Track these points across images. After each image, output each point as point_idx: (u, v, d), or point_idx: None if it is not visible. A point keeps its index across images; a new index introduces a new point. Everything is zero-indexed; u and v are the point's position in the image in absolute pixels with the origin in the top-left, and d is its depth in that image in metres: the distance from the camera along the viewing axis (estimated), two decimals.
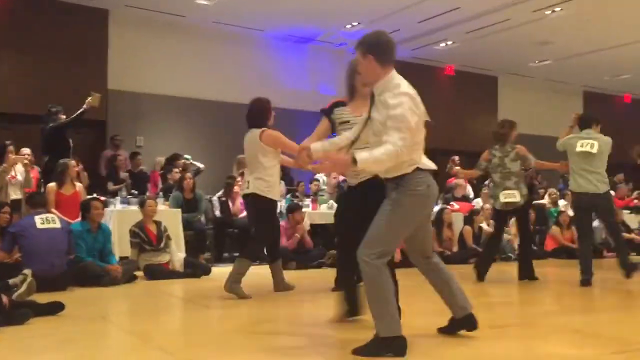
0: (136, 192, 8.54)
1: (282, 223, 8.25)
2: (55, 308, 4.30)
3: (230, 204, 9.02)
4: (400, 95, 3.18)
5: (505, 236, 9.69)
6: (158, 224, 6.96)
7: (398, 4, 10.67)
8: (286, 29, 12.16)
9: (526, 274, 6.68)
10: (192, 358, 3.25)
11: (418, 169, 3.27)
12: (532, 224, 10.26)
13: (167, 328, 4.33)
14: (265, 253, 5.79)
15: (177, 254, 7.01)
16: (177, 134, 11.62)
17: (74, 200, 6.90)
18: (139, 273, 6.61)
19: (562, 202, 11.33)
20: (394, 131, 3.10)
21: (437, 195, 3.56)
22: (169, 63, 11.53)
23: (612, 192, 11.14)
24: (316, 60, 12.89)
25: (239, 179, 9.48)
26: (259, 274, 6.13)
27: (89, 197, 6.94)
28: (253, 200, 5.36)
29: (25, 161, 7.37)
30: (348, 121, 4.02)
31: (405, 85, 3.25)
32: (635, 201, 12.33)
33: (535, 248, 9.99)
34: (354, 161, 3.03)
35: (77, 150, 8.60)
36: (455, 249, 9.26)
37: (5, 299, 3.98)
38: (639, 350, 3.55)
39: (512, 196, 6.52)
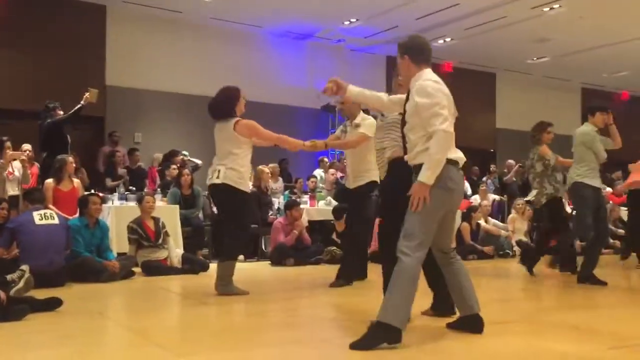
0: (134, 188, 8.53)
1: (280, 219, 8.26)
2: (53, 304, 4.29)
3: None
4: (431, 88, 3.38)
5: (503, 233, 9.72)
6: (156, 220, 6.96)
7: (396, 1, 10.68)
8: (284, 25, 12.15)
9: (569, 267, 6.77)
10: (190, 354, 3.25)
11: (449, 162, 3.36)
12: (530, 221, 10.30)
13: (165, 324, 4.32)
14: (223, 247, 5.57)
15: (175, 250, 7.01)
16: (175, 130, 11.62)
17: (72, 196, 6.89)
18: (137, 269, 6.60)
19: None
20: (434, 118, 3.29)
21: (462, 189, 3.61)
22: (166, 59, 11.52)
23: (609, 189, 11.20)
24: (314, 56, 12.89)
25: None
26: (253, 269, 6.14)
27: (86, 192, 6.92)
28: (226, 192, 5.15)
29: (23, 157, 7.35)
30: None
31: (435, 78, 3.47)
32: None
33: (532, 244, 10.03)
34: (422, 183, 3.27)
35: (75, 147, 8.60)
36: (453, 245, 9.25)
37: (3, 294, 3.97)
38: (636, 345, 3.57)
39: (532, 195, 6.85)
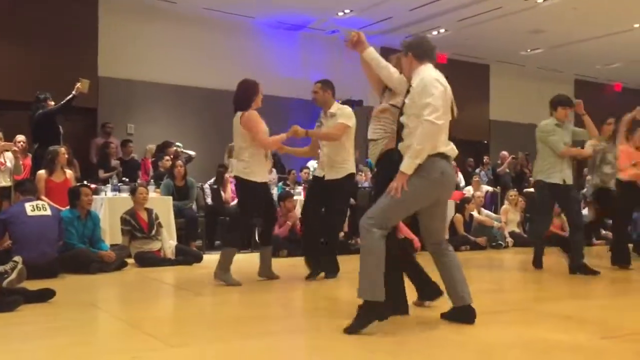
0: (127, 179, 8.51)
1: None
2: (46, 295, 4.28)
3: (221, 191, 9.01)
4: (427, 80, 3.44)
5: (496, 224, 9.75)
6: (149, 211, 6.94)
7: None
8: (278, 16, 12.10)
9: (620, 257, 6.76)
10: (183, 344, 3.25)
11: (437, 154, 3.41)
12: (523, 212, 10.35)
13: (158, 315, 4.33)
14: (257, 238, 5.80)
15: (169, 241, 7.00)
16: (168, 121, 11.58)
17: (64, 188, 6.84)
18: (130, 260, 6.59)
19: None
20: (425, 108, 3.36)
21: (452, 182, 3.62)
22: (159, 50, 11.45)
23: None
24: (308, 47, 12.85)
25: (230, 166, 9.47)
26: (246, 260, 6.14)
27: (77, 184, 6.89)
28: (237, 183, 5.39)
29: (15, 148, 7.31)
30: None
31: (434, 74, 3.52)
32: None
33: (525, 235, 10.08)
34: (401, 172, 3.35)
35: (68, 138, 8.55)
36: (446, 236, 9.28)
37: None
38: (628, 335, 3.60)
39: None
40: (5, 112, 9.73)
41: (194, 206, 8.63)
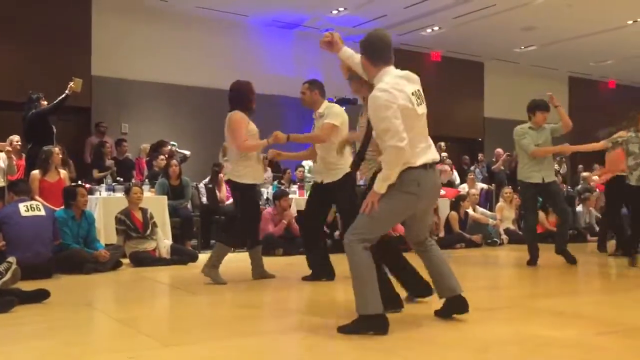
0: (121, 179, 8.48)
1: (269, 209, 8.25)
2: (40, 295, 4.27)
3: (216, 190, 8.99)
4: (374, 96, 3.29)
5: (491, 221, 9.78)
6: (144, 211, 6.92)
7: None
8: (271, 14, 12.08)
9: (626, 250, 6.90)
10: (178, 344, 3.25)
11: (410, 168, 3.34)
12: (518, 209, 10.37)
13: (153, 314, 4.32)
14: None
15: (164, 240, 6.99)
16: (162, 120, 11.55)
17: (59, 188, 6.82)
18: (125, 260, 6.58)
19: None
20: (384, 133, 3.26)
21: (433, 188, 3.51)
22: (153, 49, 11.42)
23: (596, 177, 11.27)
24: (301, 46, 12.82)
25: (225, 166, 9.45)
26: (242, 259, 6.13)
27: (73, 184, 6.86)
28: (230, 186, 5.39)
29: (8, 148, 7.27)
30: None
31: (386, 80, 3.36)
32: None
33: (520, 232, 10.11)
34: (374, 191, 3.32)
35: (62, 137, 8.52)
36: (441, 234, 9.31)
37: None
38: (621, 331, 3.61)
39: None
40: None
41: (189, 205, 8.61)
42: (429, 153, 3.45)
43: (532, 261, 6.62)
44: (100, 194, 7.61)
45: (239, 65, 11.36)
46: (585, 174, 11.76)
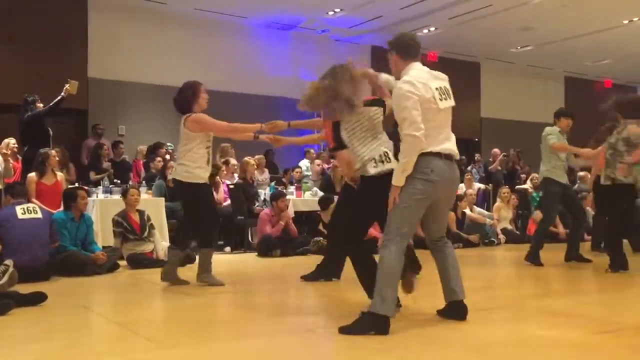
0: (118, 181, 8.47)
1: (267, 211, 8.24)
2: (37, 298, 4.26)
3: (214, 192, 8.96)
4: (398, 86, 3.48)
5: (488, 221, 9.79)
6: (141, 213, 6.92)
7: None
8: (268, 15, 12.08)
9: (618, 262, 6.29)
10: (176, 346, 3.25)
11: (424, 154, 3.44)
12: (515, 209, 10.39)
13: (151, 317, 4.31)
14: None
15: (161, 242, 6.98)
16: (159, 122, 11.51)
17: (55, 190, 6.82)
18: (122, 262, 6.57)
19: None
20: (402, 122, 3.42)
21: (449, 179, 3.57)
22: (150, 51, 11.41)
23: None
24: (298, 47, 12.83)
25: (222, 167, 9.43)
26: (239, 261, 6.13)
27: (72, 186, 6.85)
28: (177, 186, 5.30)
29: (4, 151, 7.26)
30: None
31: (412, 73, 3.52)
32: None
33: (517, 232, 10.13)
34: (394, 186, 3.45)
35: (59, 140, 8.51)
36: (443, 233, 9.30)
37: None
38: (620, 330, 3.62)
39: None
40: None
41: None
42: (447, 144, 3.55)
43: (538, 260, 6.66)
44: (97, 196, 7.60)
45: (237, 67, 11.38)
46: (581, 173, 11.78)
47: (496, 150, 13.09)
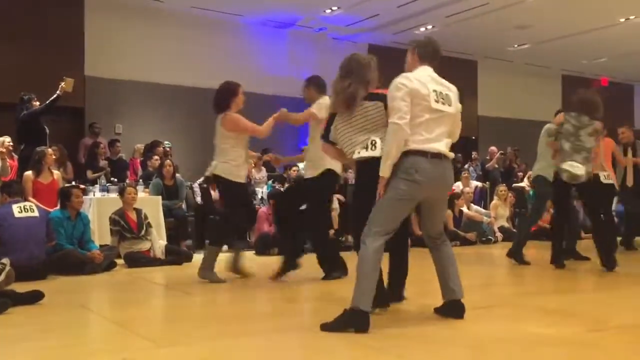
0: (115, 179, 8.46)
1: (264, 209, 8.25)
2: (34, 297, 4.26)
3: (211, 190, 8.97)
4: (393, 84, 3.54)
5: (485, 219, 9.80)
6: (138, 211, 6.91)
7: None
8: (265, 14, 12.07)
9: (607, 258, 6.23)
10: (173, 344, 3.25)
11: (410, 152, 3.44)
12: (512, 207, 10.40)
13: (148, 315, 4.32)
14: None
15: (158, 241, 6.98)
16: (156, 120, 11.52)
17: (52, 189, 6.81)
18: (119, 261, 6.57)
19: None
20: (391, 111, 3.51)
21: (437, 179, 3.54)
22: (146, 49, 11.39)
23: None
24: (295, 45, 12.83)
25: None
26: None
27: (68, 184, 6.85)
28: (222, 185, 5.44)
29: (1, 149, 7.24)
30: None
31: (415, 72, 3.63)
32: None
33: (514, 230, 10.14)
34: (381, 177, 3.46)
35: (55, 138, 8.49)
36: (440, 231, 9.31)
37: None
38: (614, 328, 3.63)
39: (577, 169, 5.80)
40: None
41: (184, 206, 8.60)
42: (436, 144, 3.52)
43: (521, 257, 6.62)
44: (94, 195, 7.60)
45: (233, 65, 11.35)
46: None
47: (493, 148, 13.10)
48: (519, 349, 3.14)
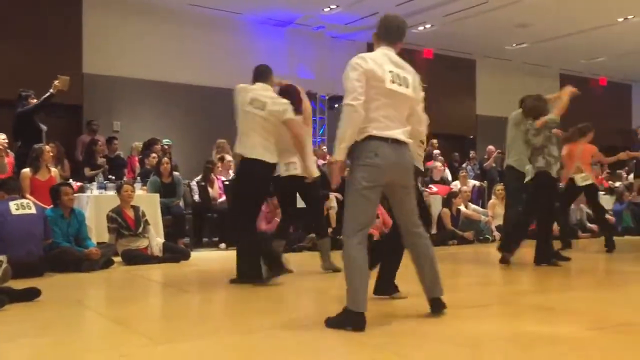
0: (113, 177, 8.44)
1: (263, 207, 8.23)
2: (31, 294, 4.25)
3: (208, 188, 8.97)
4: (347, 66, 3.42)
5: (483, 218, 9.80)
6: (136, 209, 6.90)
7: None
8: (264, 12, 12.06)
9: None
10: (171, 341, 3.24)
11: (369, 137, 3.36)
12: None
13: (146, 313, 4.31)
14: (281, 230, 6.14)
15: (156, 238, 6.97)
16: (154, 118, 11.50)
17: (50, 186, 6.78)
18: (117, 258, 6.56)
19: None
20: (345, 92, 3.37)
21: (398, 163, 3.41)
22: (145, 47, 11.37)
23: None
24: (294, 43, 12.81)
25: (218, 163, 9.42)
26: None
27: (58, 182, 6.82)
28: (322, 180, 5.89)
29: None
30: None
31: (371, 53, 3.52)
32: (610, 182, 12.52)
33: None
34: (334, 159, 3.36)
35: (53, 136, 8.47)
36: (433, 231, 9.33)
37: None
38: (613, 326, 3.63)
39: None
40: None
41: (181, 203, 8.59)
42: (396, 131, 3.42)
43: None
44: (91, 192, 7.58)
45: (232, 63, 11.32)
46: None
47: (491, 147, 13.10)
48: (517, 347, 3.14)
